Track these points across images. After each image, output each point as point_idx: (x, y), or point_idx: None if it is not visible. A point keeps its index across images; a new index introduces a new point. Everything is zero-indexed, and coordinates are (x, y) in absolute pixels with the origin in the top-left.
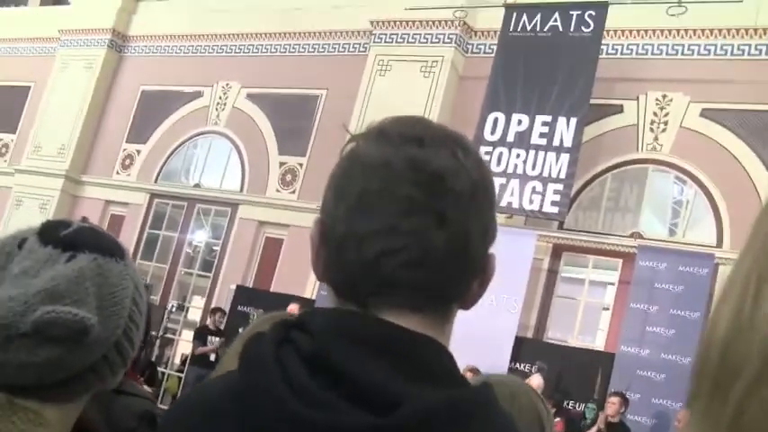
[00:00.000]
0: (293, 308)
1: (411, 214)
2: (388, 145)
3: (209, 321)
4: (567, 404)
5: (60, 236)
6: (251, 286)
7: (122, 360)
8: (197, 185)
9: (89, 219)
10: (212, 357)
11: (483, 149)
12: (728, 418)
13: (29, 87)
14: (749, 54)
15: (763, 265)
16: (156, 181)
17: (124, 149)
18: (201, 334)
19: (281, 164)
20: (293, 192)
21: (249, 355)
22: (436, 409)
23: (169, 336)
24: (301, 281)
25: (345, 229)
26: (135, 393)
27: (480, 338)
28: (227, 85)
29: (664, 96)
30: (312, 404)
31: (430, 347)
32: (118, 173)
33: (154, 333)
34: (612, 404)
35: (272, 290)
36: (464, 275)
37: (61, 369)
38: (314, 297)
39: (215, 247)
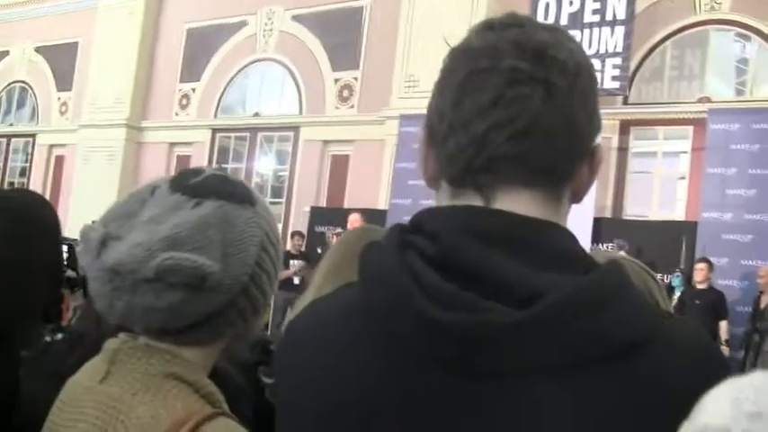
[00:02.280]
0: (355, 218)
1: (516, 84)
2: (490, 32)
3: (289, 246)
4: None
5: (188, 183)
6: (324, 206)
7: (253, 307)
8: (256, 114)
9: (222, 167)
10: (296, 280)
11: None
12: None
13: (77, 43)
14: None
15: None
16: (215, 116)
17: (179, 90)
18: (284, 259)
19: (336, 80)
20: (352, 107)
21: (371, 266)
22: (578, 296)
23: None
24: (372, 193)
25: (453, 115)
26: None
27: None
28: (271, 9)
29: None
30: (451, 307)
31: (554, 232)
32: (177, 114)
33: None
34: (700, 270)
35: (345, 206)
36: (571, 152)
37: (184, 314)
38: (386, 208)
39: (283, 173)
